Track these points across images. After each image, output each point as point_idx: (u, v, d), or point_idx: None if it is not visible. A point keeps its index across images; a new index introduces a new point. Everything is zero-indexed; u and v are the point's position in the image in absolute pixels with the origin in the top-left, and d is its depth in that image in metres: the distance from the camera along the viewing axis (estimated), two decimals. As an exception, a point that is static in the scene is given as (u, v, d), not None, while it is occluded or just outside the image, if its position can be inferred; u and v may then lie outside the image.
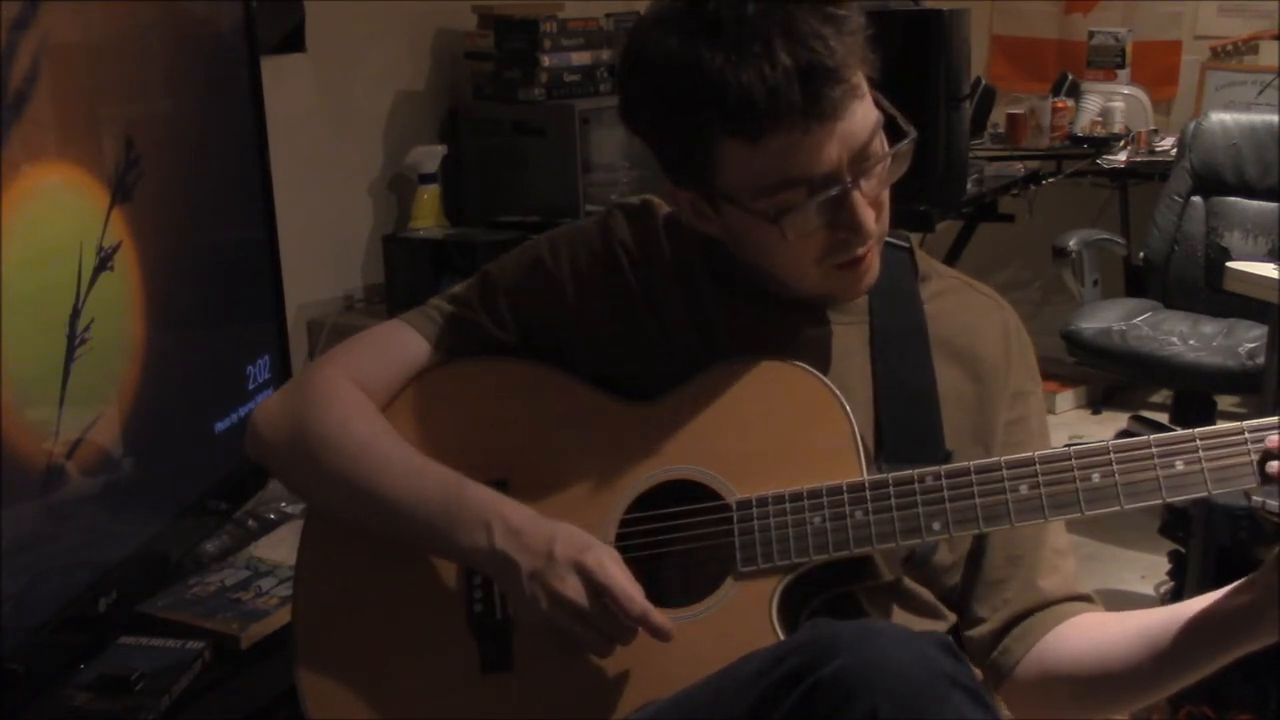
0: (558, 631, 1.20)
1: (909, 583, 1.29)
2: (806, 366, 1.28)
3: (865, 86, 1.17)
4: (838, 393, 1.26)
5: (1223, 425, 1.14)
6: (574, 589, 1.18)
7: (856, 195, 1.18)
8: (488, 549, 1.22)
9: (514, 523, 1.23)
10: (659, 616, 1.19)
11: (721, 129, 1.16)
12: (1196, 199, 3.87)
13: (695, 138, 1.18)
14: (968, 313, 1.37)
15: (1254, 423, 1.14)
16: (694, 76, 1.14)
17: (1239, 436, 1.13)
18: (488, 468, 1.31)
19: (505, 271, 1.38)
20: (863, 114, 1.17)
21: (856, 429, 1.25)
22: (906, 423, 1.29)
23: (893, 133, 1.21)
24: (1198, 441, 1.14)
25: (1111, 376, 4.31)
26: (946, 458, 1.25)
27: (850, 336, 1.33)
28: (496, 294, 1.37)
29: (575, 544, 1.20)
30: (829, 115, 1.14)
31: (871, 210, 1.21)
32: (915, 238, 1.61)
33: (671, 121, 1.20)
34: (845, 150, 1.16)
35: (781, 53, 1.11)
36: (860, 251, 1.22)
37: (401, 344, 1.38)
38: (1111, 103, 4.46)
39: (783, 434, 1.26)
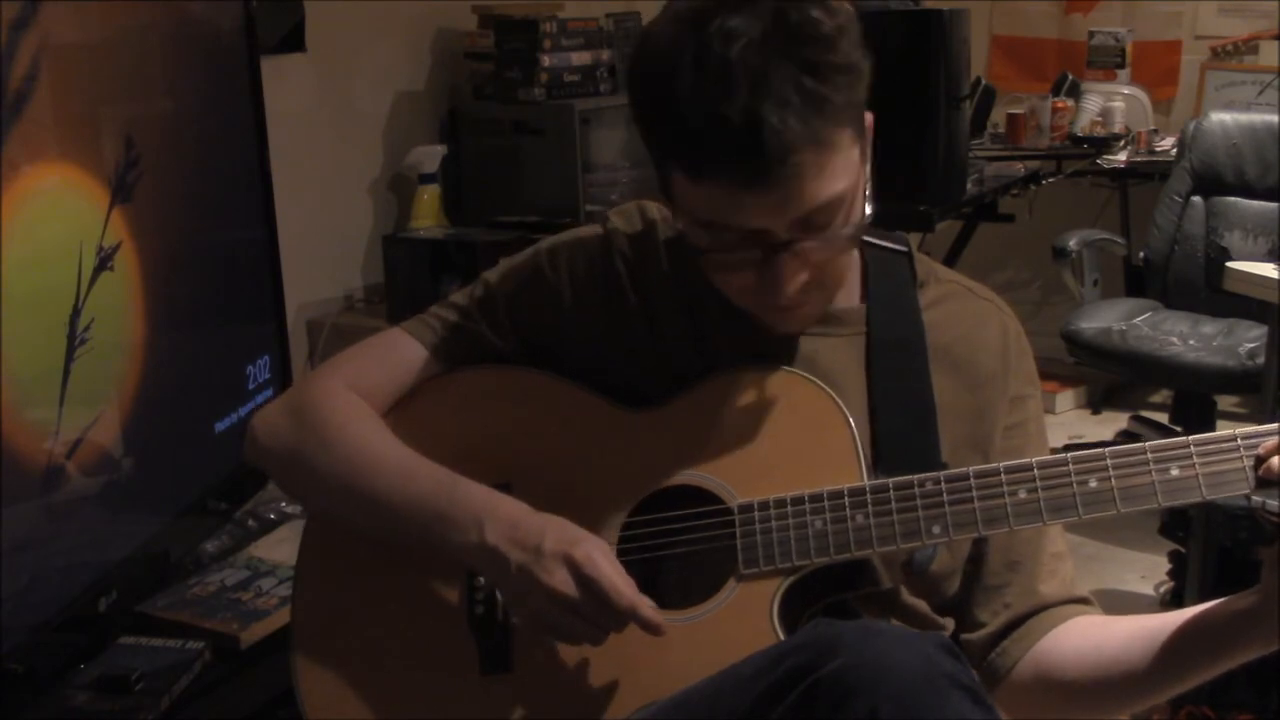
0: (549, 624, 1.20)
1: (907, 595, 1.29)
2: (807, 374, 1.28)
3: (833, 162, 1.13)
4: (838, 400, 1.26)
5: (1217, 432, 1.15)
6: (562, 581, 1.18)
7: (783, 259, 1.17)
8: (478, 544, 1.22)
9: (506, 518, 1.23)
10: (648, 610, 1.18)
11: (670, 154, 1.17)
12: (1196, 199, 3.87)
13: (656, 152, 1.19)
14: (966, 319, 1.36)
15: (1247, 430, 1.14)
16: (663, 95, 1.13)
17: (1232, 444, 1.14)
18: (490, 474, 1.30)
19: (504, 279, 1.38)
20: (812, 190, 1.13)
21: (857, 435, 1.25)
22: (903, 436, 1.29)
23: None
24: (1192, 448, 1.14)
25: (1111, 376, 4.31)
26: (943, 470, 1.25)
27: (847, 349, 1.33)
28: (495, 302, 1.37)
29: (565, 537, 1.20)
30: (758, 184, 1.11)
31: (803, 275, 1.18)
32: (915, 238, 1.61)
33: (643, 128, 1.20)
34: (779, 217, 1.14)
35: (738, 108, 1.08)
36: (783, 303, 1.21)
37: (400, 352, 1.38)
38: (1111, 103, 4.46)
39: (785, 440, 1.27)
